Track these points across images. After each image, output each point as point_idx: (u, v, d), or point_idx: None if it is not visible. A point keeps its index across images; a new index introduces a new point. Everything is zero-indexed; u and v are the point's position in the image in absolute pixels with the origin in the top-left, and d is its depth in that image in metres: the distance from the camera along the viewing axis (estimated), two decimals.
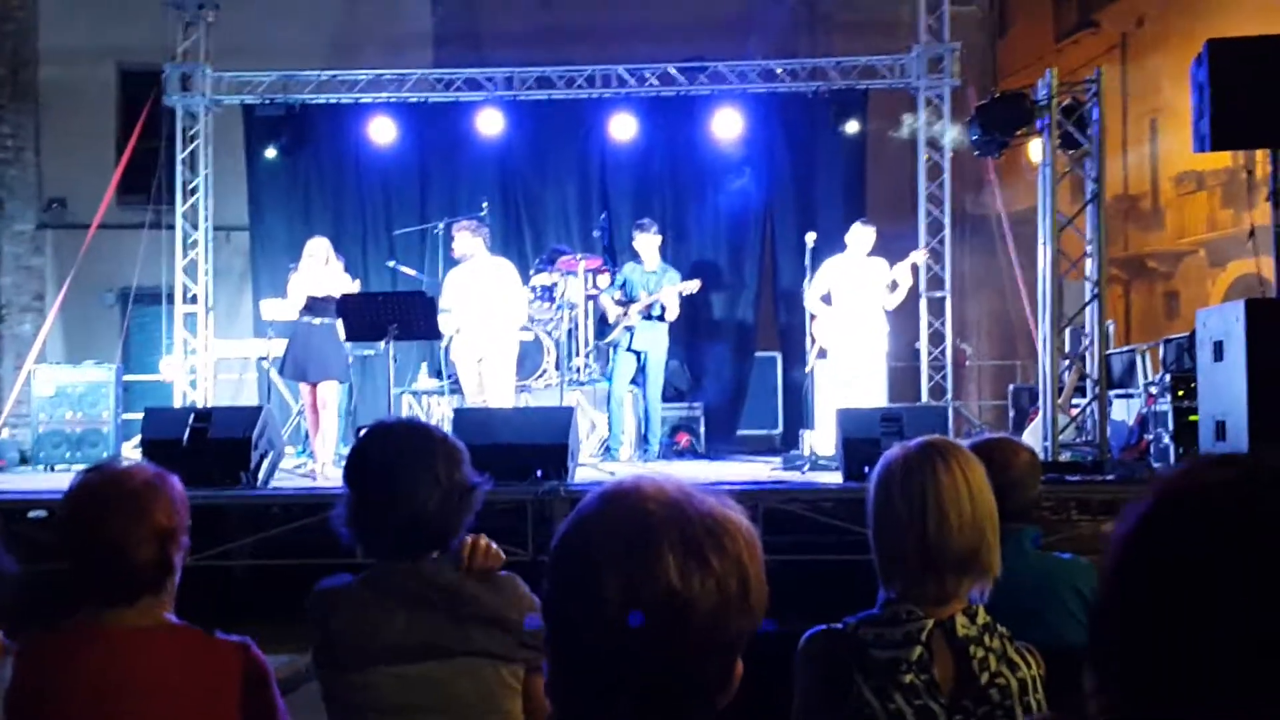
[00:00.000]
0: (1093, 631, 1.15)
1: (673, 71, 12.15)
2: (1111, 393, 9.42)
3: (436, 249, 10.82)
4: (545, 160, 12.69)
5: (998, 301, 14.69)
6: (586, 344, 11.25)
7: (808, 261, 9.72)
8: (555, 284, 11.00)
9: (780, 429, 12.52)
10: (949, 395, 11.81)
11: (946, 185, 11.92)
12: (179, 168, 12.22)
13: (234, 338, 12.75)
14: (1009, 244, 11.94)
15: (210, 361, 12.29)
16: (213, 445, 7.76)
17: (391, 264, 11.37)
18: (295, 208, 12.71)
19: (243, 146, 12.79)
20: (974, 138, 9.08)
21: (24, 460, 11.01)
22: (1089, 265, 9.05)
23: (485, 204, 11.03)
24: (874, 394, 9.78)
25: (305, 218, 12.48)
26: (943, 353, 11.90)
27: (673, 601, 1.21)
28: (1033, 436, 8.94)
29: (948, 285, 11.89)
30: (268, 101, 12.30)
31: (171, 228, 12.25)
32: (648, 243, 10.24)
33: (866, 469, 2.51)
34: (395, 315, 8.12)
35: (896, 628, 2.23)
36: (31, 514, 7.57)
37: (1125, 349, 11.30)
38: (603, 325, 10.79)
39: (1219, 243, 18.82)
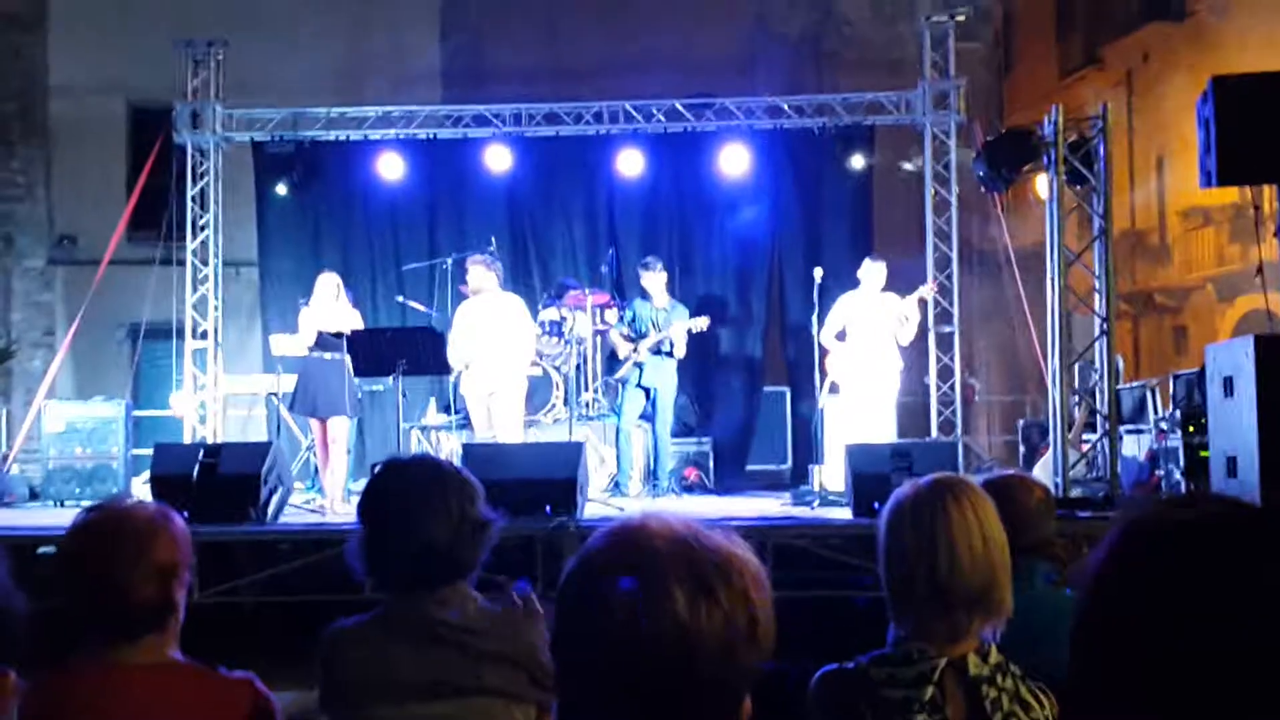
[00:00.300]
0: (1070, 654, 1.22)
1: (679, 108, 12.20)
2: (1122, 428, 9.39)
3: (445, 284, 10.85)
4: (553, 196, 12.74)
5: (1006, 336, 14.67)
6: (595, 379, 11.25)
7: (815, 296, 9.75)
8: (563, 319, 11.01)
9: (789, 464, 12.47)
10: (958, 430, 11.78)
11: (954, 220, 11.94)
12: (189, 204, 12.28)
13: (243, 373, 12.79)
14: (1017, 279, 11.94)
15: (220, 397, 12.31)
16: (222, 481, 7.76)
17: (401, 299, 11.40)
18: (304, 243, 12.76)
19: (252, 183, 12.85)
20: (980, 173, 9.11)
21: (34, 496, 11.01)
22: (1097, 300, 9.04)
23: (494, 240, 11.06)
24: (884, 429, 9.77)
25: (314, 253, 12.52)
26: (952, 388, 11.88)
27: (681, 636, 1.21)
28: (1043, 472, 8.91)
29: (956, 320, 11.89)
30: (277, 138, 12.37)
31: (181, 264, 12.30)
32: (654, 281, 10.27)
33: (876, 504, 2.51)
34: (404, 351, 8.14)
35: (908, 667, 2.21)
36: (41, 550, 7.57)
37: (1135, 384, 11.28)
38: (612, 360, 10.80)
39: (1227, 278, 18.82)
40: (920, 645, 2.22)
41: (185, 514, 2.56)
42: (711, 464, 11.58)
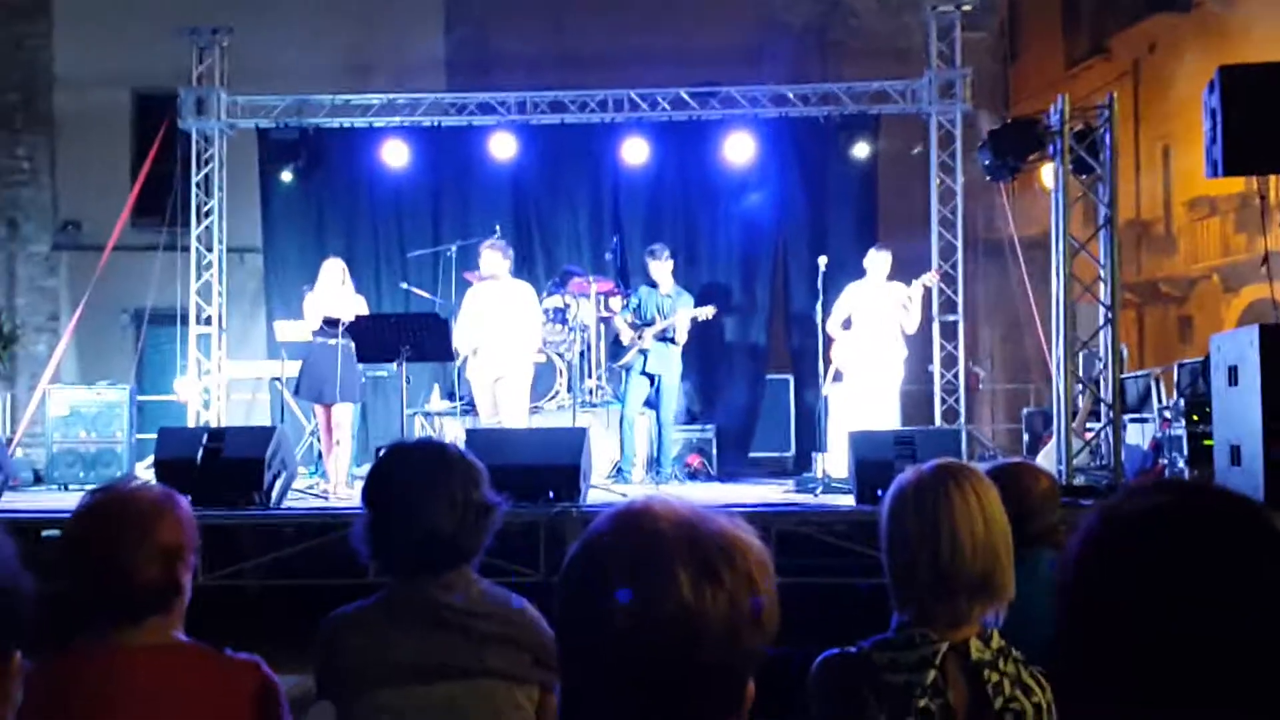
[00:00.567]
0: (1057, 632, 1.25)
1: (685, 96, 12.18)
2: (1126, 417, 9.39)
3: (449, 271, 10.85)
4: (558, 183, 12.73)
5: (1011, 325, 14.68)
6: (598, 366, 11.26)
7: (820, 285, 9.75)
8: (567, 306, 11.02)
9: (793, 451, 12.50)
10: (962, 419, 11.78)
11: (959, 209, 11.92)
12: (193, 190, 12.28)
13: (247, 359, 12.81)
14: (1022, 268, 11.94)
15: (223, 382, 12.33)
16: (226, 465, 7.78)
17: (405, 286, 11.41)
18: (309, 230, 12.77)
19: (257, 169, 12.86)
20: (986, 163, 9.10)
21: (38, 480, 11.04)
22: (1102, 289, 9.04)
23: (499, 228, 11.06)
24: (887, 417, 9.78)
25: (318, 240, 12.52)
26: (956, 376, 11.87)
27: (685, 618, 1.21)
28: (1046, 460, 8.91)
29: (960, 309, 11.88)
30: (282, 125, 12.37)
31: (186, 250, 12.31)
32: (661, 268, 10.26)
33: (879, 492, 2.51)
34: (408, 337, 8.13)
35: (910, 652, 2.22)
36: (45, 533, 7.59)
37: (1140, 373, 11.28)
38: (616, 347, 10.80)
39: (1232, 267, 18.80)
40: (922, 630, 2.23)
41: (189, 498, 2.56)
42: (715, 451, 11.58)
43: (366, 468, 2.79)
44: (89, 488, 2.60)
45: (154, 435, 8.60)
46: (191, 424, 11.68)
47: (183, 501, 2.45)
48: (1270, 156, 7.56)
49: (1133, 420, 10.16)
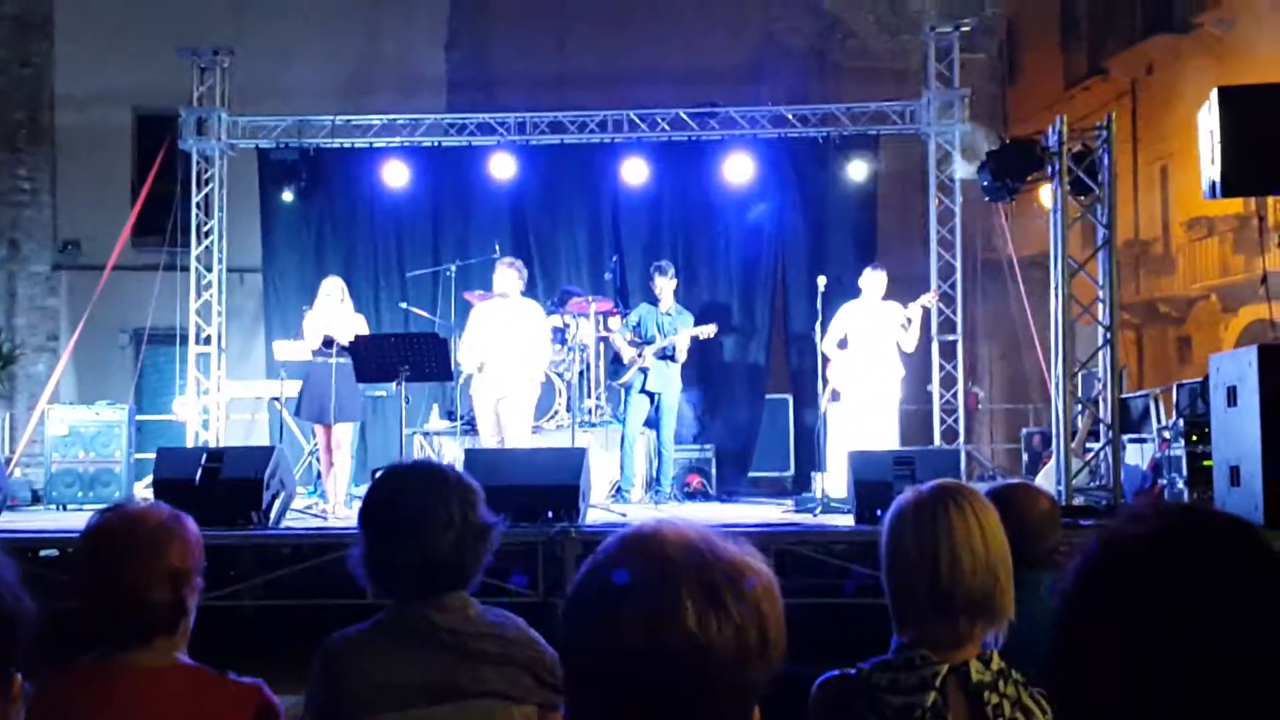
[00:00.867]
0: (1050, 659, 1.26)
1: (684, 116, 12.22)
2: (1125, 437, 9.39)
3: (449, 291, 10.86)
4: (557, 203, 12.76)
5: (1010, 345, 14.68)
6: (598, 385, 11.25)
7: (819, 305, 9.76)
8: (566, 325, 11.01)
9: (792, 471, 12.49)
10: (961, 439, 11.78)
11: (958, 229, 11.95)
12: (194, 210, 12.31)
13: (246, 378, 12.80)
14: (1020, 288, 11.95)
15: (223, 402, 12.33)
16: (225, 485, 7.76)
17: (404, 305, 11.41)
18: (308, 250, 12.79)
19: (257, 189, 12.89)
20: (984, 183, 9.11)
21: (36, 499, 11.02)
22: (1101, 310, 9.05)
23: (498, 248, 11.06)
24: (886, 437, 9.78)
25: (318, 260, 12.54)
26: (955, 396, 11.88)
27: (692, 647, 1.20)
28: (1046, 480, 8.90)
29: (959, 329, 11.89)
30: (282, 145, 12.40)
31: (186, 269, 12.33)
32: (666, 285, 10.25)
33: (878, 511, 2.52)
34: (407, 356, 8.13)
35: (910, 673, 2.21)
36: (43, 553, 7.58)
37: (1139, 393, 11.27)
38: (615, 365, 10.79)
39: (1231, 288, 18.81)
40: (922, 651, 2.22)
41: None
42: (714, 471, 11.58)
43: (365, 488, 2.78)
44: (89, 508, 2.60)
45: (153, 455, 8.58)
46: (190, 444, 11.67)
47: (190, 522, 2.45)
48: (1268, 177, 7.58)
49: (1132, 440, 10.16)
